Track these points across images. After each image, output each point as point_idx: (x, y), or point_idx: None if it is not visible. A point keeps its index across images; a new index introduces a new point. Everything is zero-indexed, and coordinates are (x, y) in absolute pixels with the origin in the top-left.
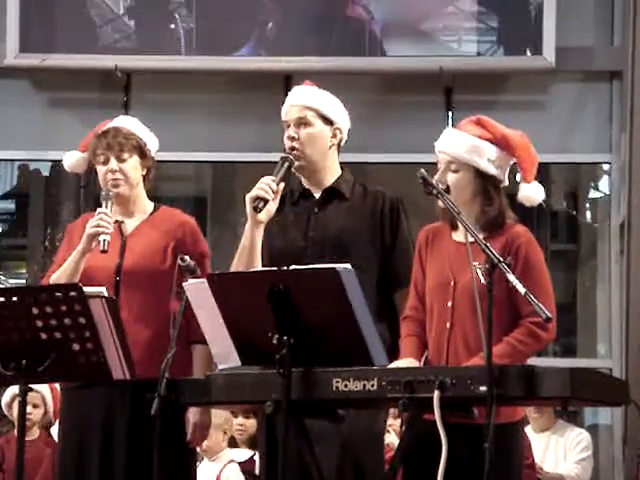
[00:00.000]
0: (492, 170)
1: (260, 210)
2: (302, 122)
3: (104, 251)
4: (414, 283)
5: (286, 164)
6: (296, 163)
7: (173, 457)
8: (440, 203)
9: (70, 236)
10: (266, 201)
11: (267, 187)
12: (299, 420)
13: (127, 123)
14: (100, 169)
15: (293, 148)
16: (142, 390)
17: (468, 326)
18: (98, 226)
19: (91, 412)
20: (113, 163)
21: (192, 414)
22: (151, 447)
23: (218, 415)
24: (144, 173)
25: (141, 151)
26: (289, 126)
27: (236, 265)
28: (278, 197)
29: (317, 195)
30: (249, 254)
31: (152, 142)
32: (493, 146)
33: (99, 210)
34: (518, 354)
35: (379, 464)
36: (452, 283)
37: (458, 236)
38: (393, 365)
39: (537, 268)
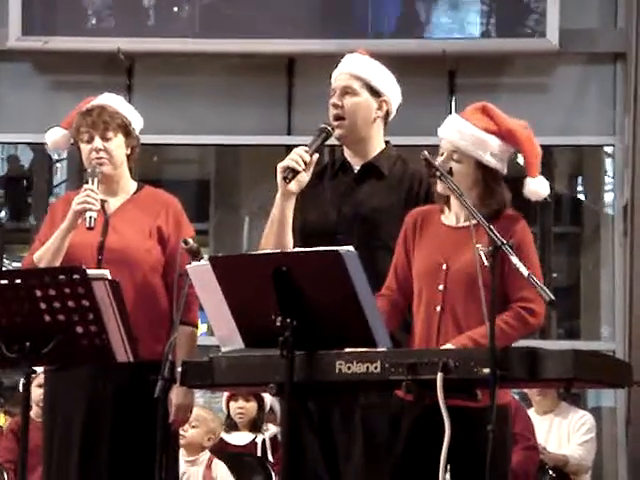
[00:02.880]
0: (494, 163)
1: (290, 180)
2: (348, 91)
3: (90, 228)
4: (394, 265)
5: (323, 135)
6: (337, 131)
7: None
8: (438, 187)
9: (52, 214)
10: (296, 172)
11: (298, 157)
12: (303, 403)
13: (112, 101)
14: (84, 147)
15: (337, 117)
16: (123, 370)
17: (460, 309)
18: (85, 202)
19: (75, 394)
20: (98, 142)
21: (175, 395)
22: (134, 427)
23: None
24: (128, 152)
25: (126, 130)
26: (335, 93)
27: (266, 235)
28: (311, 168)
29: (357, 168)
30: (279, 225)
31: (137, 121)
32: (498, 139)
33: (85, 187)
34: (504, 336)
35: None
36: (444, 266)
37: (449, 219)
38: None
39: (530, 253)
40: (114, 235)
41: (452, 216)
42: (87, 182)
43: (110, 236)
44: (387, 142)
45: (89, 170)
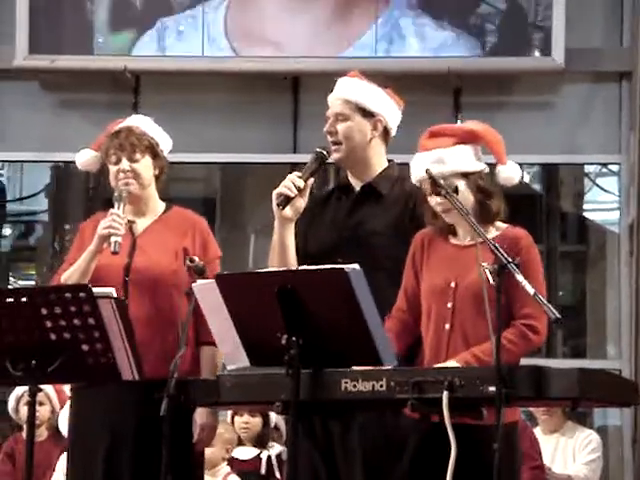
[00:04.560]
0: (476, 166)
1: (283, 207)
2: (340, 117)
3: (115, 252)
4: (404, 286)
5: (318, 159)
6: (334, 155)
7: (181, 459)
8: (437, 207)
9: (82, 235)
10: (289, 198)
11: (291, 184)
12: (311, 422)
13: (140, 123)
14: (112, 169)
15: (333, 143)
16: (152, 390)
17: (469, 327)
18: (110, 227)
19: (100, 411)
20: (125, 163)
21: (199, 416)
22: (159, 448)
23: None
24: (156, 173)
25: (153, 151)
26: (329, 120)
27: (270, 260)
28: (306, 192)
29: (357, 190)
30: (280, 249)
31: (165, 142)
32: (463, 145)
33: (111, 211)
34: (505, 353)
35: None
36: (453, 285)
37: (458, 240)
38: None
39: (535, 272)
40: (141, 256)
41: (460, 235)
42: (113, 206)
43: (137, 257)
44: (390, 161)
45: (116, 194)
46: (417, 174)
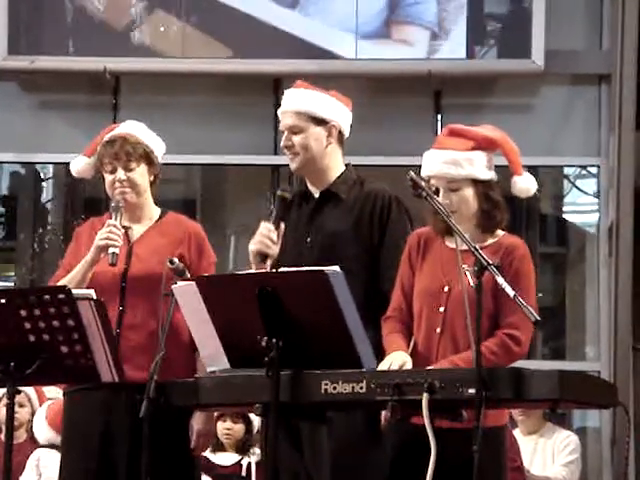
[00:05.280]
0: (488, 175)
1: (263, 261)
2: (294, 130)
3: (113, 264)
4: (401, 285)
5: (281, 203)
6: (292, 166)
7: (177, 464)
8: (432, 208)
9: (77, 241)
10: (267, 254)
11: (266, 240)
12: (288, 423)
13: (134, 130)
14: (107, 177)
15: (292, 154)
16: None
17: (459, 332)
18: (108, 239)
19: (92, 415)
20: (120, 173)
21: (196, 422)
22: (152, 451)
23: None
24: (151, 179)
25: (148, 159)
26: (284, 134)
27: None
28: (280, 237)
29: (317, 196)
30: None
31: (159, 148)
32: (480, 152)
33: (109, 222)
34: (487, 363)
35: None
36: (446, 289)
37: (452, 242)
38: (387, 358)
39: (526, 281)
40: (137, 263)
41: (454, 238)
42: (111, 217)
43: (133, 264)
44: (347, 165)
45: (112, 204)
46: (429, 170)
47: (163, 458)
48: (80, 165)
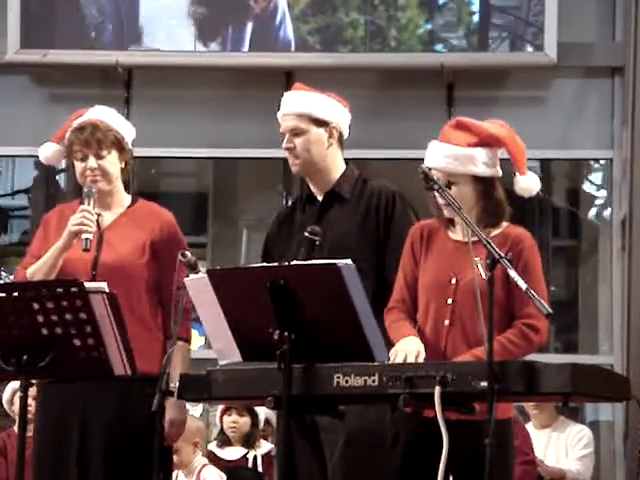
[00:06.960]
0: (489, 172)
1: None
2: (296, 132)
3: (86, 250)
4: (404, 276)
5: (310, 244)
6: (293, 169)
7: (150, 455)
8: (438, 200)
9: (45, 229)
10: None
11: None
12: (301, 416)
13: (105, 116)
14: (78, 165)
15: (294, 157)
16: (119, 384)
17: (468, 324)
18: (81, 224)
19: (69, 407)
20: (92, 161)
21: (168, 411)
22: (128, 442)
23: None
24: (122, 166)
25: (119, 146)
26: (285, 137)
27: None
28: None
29: (320, 198)
30: None
31: (130, 133)
32: (483, 149)
33: (82, 208)
34: (507, 354)
35: (383, 463)
36: (454, 281)
37: (456, 234)
38: (399, 345)
39: (536, 272)
40: (108, 251)
41: (459, 231)
42: (83, 202)
43: (104, 252)
44: (348, 163)
45: (85, 190)
46: (431, 162)
47: (137, 449)
48: (49, 152)
